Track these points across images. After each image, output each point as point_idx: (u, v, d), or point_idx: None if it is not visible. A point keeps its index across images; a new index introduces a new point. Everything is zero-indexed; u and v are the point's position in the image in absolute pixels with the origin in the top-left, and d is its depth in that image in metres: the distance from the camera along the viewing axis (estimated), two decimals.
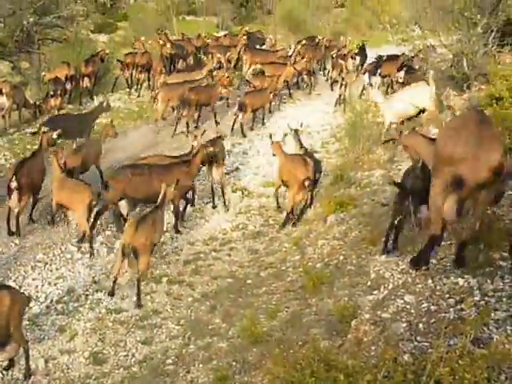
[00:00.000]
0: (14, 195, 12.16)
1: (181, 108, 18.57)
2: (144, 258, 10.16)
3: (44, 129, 14.24)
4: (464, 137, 6.44)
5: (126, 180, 12.14)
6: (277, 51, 27.48)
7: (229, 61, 25.74)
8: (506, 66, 15.16)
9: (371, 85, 20.04)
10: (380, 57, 22.78)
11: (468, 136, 6.41)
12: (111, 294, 10.36)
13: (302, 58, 24.56)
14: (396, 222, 9.21)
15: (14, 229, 12.35)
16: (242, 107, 18.66)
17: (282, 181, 13.05)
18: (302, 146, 14.08)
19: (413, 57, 21.04)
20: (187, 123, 18.61)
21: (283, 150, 13.15)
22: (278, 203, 13.57)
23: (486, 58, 16.11)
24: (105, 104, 17.68)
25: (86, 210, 11.79)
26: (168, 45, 25.43)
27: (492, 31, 16.15)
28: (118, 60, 24.32)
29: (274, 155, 13.27)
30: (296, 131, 14.24)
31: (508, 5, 16.65)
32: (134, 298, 10.18)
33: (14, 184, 12.09)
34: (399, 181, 9.57)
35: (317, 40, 30.22)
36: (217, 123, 19.35)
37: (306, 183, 12.42)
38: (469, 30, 16.36)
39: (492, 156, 6.31)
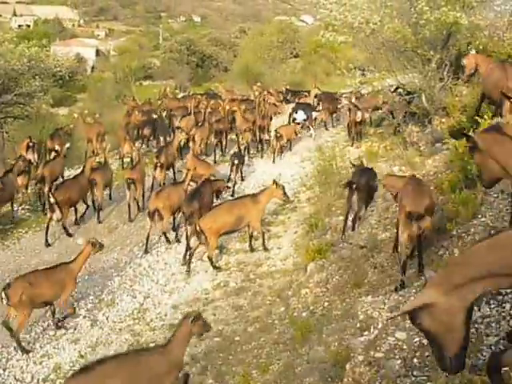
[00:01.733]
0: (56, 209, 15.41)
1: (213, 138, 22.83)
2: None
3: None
4: (411, 191, 9.44)
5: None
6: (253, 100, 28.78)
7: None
8: (463, 97, 15.45)
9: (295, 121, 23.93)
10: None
11: (412, 191, 9.42)
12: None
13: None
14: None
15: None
16: (278, 137, 21.83)
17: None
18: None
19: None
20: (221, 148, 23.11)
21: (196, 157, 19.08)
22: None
23: (444, 91, 16.42)
24: None
25: None
26: (136, 112, 25.71)
27: (446, 65, 16.52)
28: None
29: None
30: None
31: (457, 39, 17.03)
32: None
33: (52, 199, 15.29)
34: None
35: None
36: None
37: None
38: (423, 66, 16.71)
39: (426, 199, 9.25)
